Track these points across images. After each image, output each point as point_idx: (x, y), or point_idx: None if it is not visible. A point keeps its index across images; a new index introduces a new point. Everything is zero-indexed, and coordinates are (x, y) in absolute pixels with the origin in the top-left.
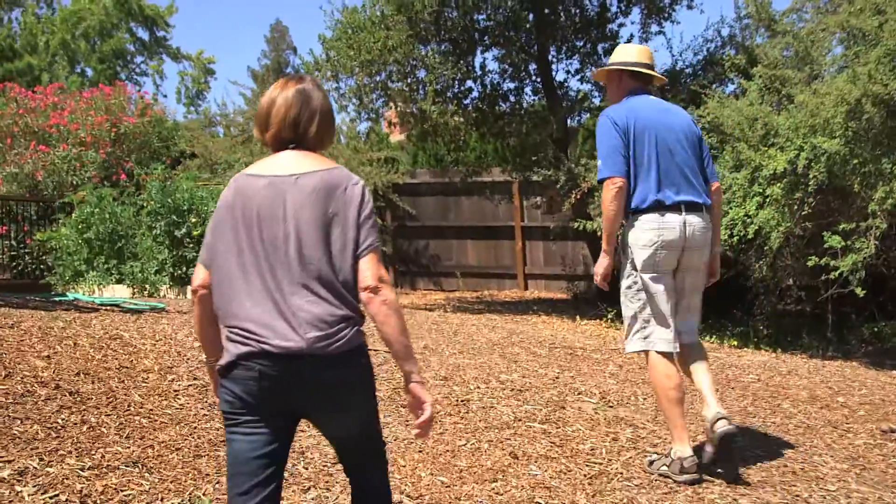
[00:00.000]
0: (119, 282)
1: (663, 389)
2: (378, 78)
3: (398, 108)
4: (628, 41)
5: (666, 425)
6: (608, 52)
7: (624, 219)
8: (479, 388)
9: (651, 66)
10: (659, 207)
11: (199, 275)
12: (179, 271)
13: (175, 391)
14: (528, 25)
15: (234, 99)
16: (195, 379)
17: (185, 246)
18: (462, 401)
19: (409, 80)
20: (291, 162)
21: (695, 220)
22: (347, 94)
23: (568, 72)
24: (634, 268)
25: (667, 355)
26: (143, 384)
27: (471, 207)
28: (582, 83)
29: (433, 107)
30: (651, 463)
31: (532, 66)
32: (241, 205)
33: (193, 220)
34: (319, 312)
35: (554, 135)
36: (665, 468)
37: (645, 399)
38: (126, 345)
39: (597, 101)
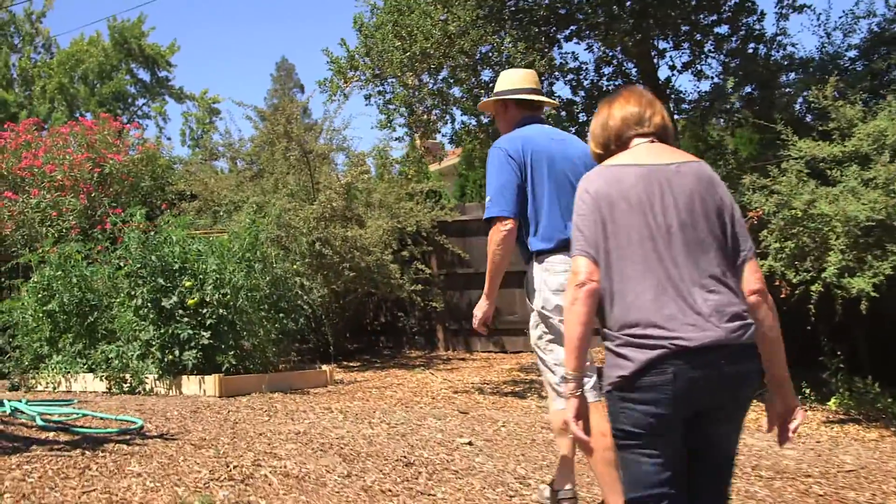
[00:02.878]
0: (91, 370)
1: (597, 452)
2: (439, 76)
3: (456, 122)
4: (759, 20)
5: None
6: (730, 37)
7: (527, 261)
8: None
9: (538, 91)
10: (567, 247)
11: (585, 266)
12: (171, 356)
13: None
14: (626, 5)
15: (239, 126)
16: None
17: (178, 320)
18: None
19: (468, 84)
20: (659, 153)
21: None
22: (395, 101)
23: (672, 66)
24: (544, 317)
25: (594, 406)
26: None
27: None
28: (699, 80)
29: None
30: None
31: (629, 63)
32: (618, 194)
33: (188, 283)
34: (725, 302)
35: None
36: None
37: None
38: None
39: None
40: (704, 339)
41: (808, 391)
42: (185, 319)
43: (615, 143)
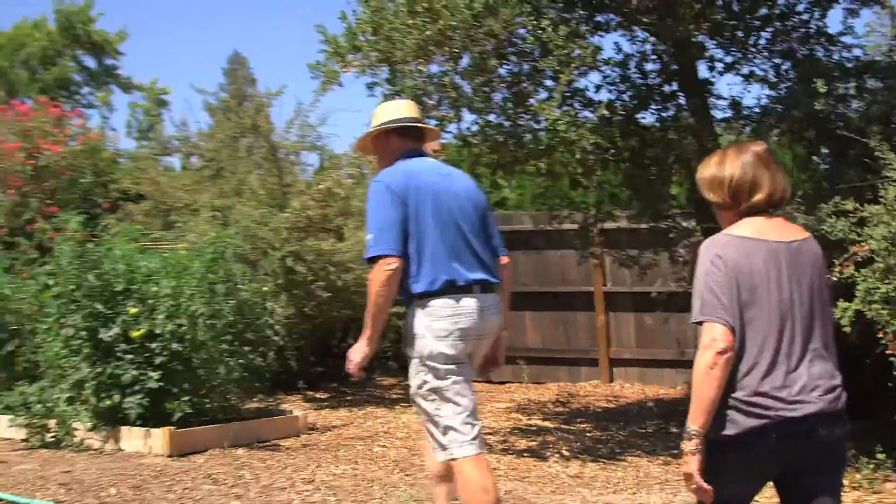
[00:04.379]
0: (7, 411)
1: None
2: (458, 65)
3: (464, 121)
4: (822, 16)
5: None
6: (788, 34)
7: (407, 305)
8: None
9: (420, 120)
10: (452, 290)
11: (725, 334)
12: (108, 401)
13: None
14: None
15: (196, 117)
16: None
17: (119, 357)
18: None
19: (483, 77)
20: (779, 228)
21: (490, 303)
22: (405, 91)
23: (712, 67)
24: (424, 363)
25: (480, 458)
26: None
27: (529, 266)
28: (748, 83)
29: (558, 111)
30: None
31: (671, 58)
32: (749, 268)
33: (133, 310)
34: (827, 374)
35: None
36: None
37: None
38: None
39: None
40: (805, 410)
41: (882, 456)
42: (129, 356)
43: (732, 200)
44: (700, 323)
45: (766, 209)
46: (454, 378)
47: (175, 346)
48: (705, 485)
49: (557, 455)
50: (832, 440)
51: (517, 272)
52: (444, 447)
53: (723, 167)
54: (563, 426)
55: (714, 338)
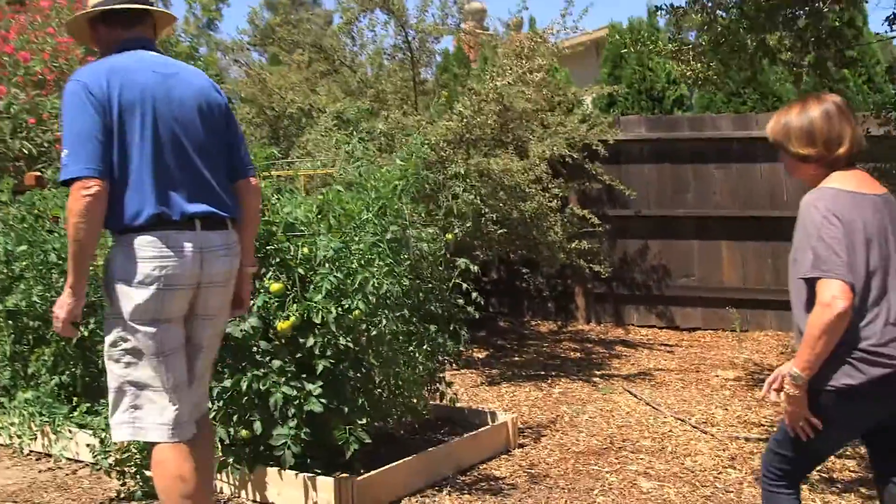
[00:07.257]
0: (91, 415)
1: (172, 497)
2: None
3: None
4: None
5: None
6: None
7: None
8: None
9: (135, 1)
10: (161, 224)
11: (846, 292)
12: (244, 432)
13: None
14: None
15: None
16: None
17: (258, 361)
18: None
19: None
20: (867, 181)
21: (215, 243)
22: None
23: None
24: (120, 316)
25: (177, 445)
26: None
27: (726, 183)
28: None
29: None
30: None
31: None
32: (860, 222)
33: (275, 286)
34: None
35: None
36: None
37: None
38: None
39: None
40: None
41: None
42: (276, 362)
43: (832, 161)
44: (814, 278)
45: (847, 162)
46: (154, 340)
47: (343, 340)
48: (814, 420)
49: None
50: None
51: (708, 189)
52: (131, 423)
53: (808, 118)
54: None
55: (835, 296)
